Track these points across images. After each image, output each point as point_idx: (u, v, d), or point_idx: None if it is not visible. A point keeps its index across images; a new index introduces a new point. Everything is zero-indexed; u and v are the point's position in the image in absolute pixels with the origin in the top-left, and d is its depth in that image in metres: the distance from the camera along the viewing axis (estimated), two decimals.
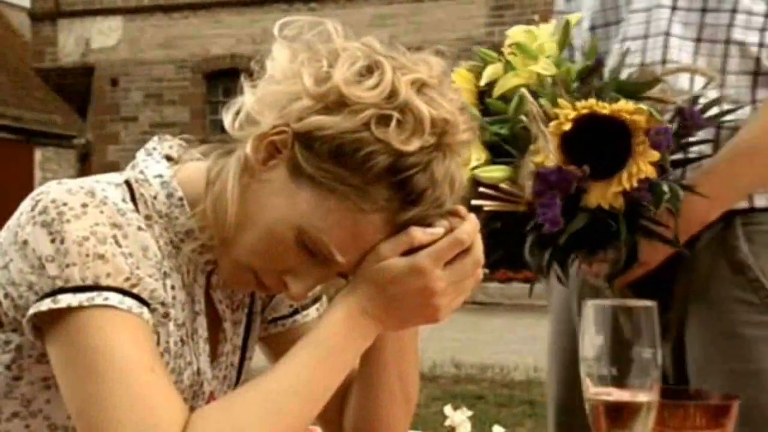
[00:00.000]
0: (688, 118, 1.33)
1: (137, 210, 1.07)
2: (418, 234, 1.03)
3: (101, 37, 17.15)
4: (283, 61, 1.06)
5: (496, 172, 1.23)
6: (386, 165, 1.00)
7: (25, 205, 1.04)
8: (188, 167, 1.13)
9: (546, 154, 1.22)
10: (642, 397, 0.95)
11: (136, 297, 1.01)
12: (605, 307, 0.97)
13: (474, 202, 1.23)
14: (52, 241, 1.00)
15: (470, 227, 1.05)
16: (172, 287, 1.09)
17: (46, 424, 1.09)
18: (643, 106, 1.27)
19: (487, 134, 1.29)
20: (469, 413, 1.16)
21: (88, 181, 1.06)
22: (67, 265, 0.99)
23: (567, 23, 1.33)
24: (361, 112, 1.00)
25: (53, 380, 1.03)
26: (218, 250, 1.09)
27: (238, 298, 1.22)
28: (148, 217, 1.08)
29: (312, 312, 1.28)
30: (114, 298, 0.99)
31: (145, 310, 1.02)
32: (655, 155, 1.27)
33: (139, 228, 1.04)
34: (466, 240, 1.04)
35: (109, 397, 0.97)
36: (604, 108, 1.24)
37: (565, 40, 1.32)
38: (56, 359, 1.01)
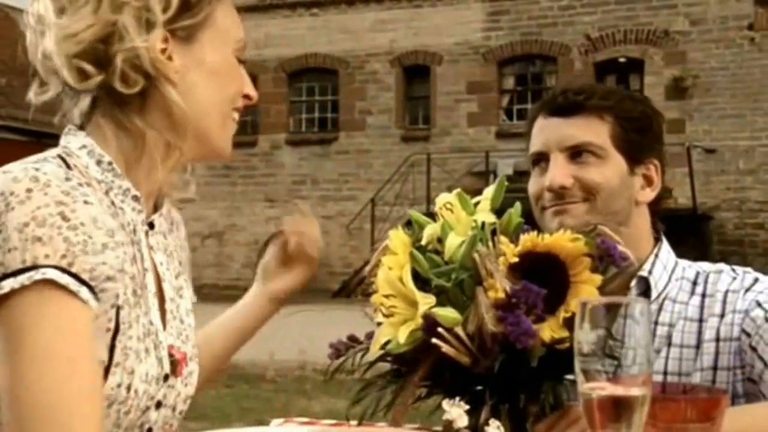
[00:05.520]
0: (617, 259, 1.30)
1: (75, 178, 1.13)
2: None
3: None
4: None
5: (452, 314, 1.25)
6: None
7: None
8: (101, 130, 1.21)
9: (499, 287, 1.24)
10: (635, 391, 0.96)
11: (74, 275, 1.06)
12: (600, 305, 0.99)
13: (434, 340, 1.24)
14: None
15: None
16: (122, 243, 1.15)
17: None
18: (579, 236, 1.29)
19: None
20: (467, 407, 1.18)
21: (30, 166, 1.11)
22: (9, 250, 1.05)
23: (503, 180, 1.38)
24: None
25: None
26: (199, 143, 1.24)
27: (175, 265, 1.30)
28: (87, 185, 1.14)
29: None
30: (52, 273, 1.05)
31: (83, 288, 1.07)
32: (597, 279, 1.26)
33: (86, 202, 1.10)
34: None
35: (27, 379, 1.04)
36: (545, 239, 1.27)
37: (500, 196, 1.37)
38: None
